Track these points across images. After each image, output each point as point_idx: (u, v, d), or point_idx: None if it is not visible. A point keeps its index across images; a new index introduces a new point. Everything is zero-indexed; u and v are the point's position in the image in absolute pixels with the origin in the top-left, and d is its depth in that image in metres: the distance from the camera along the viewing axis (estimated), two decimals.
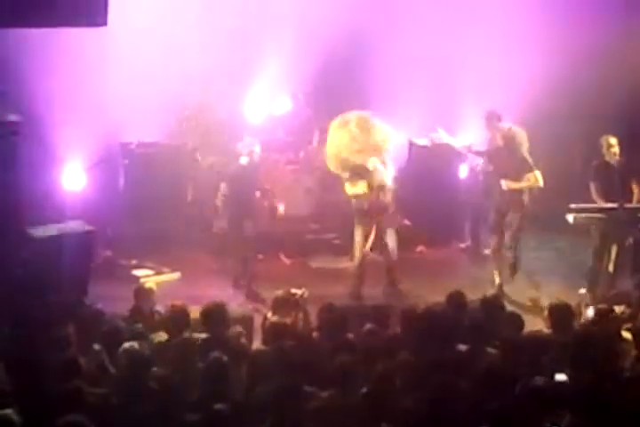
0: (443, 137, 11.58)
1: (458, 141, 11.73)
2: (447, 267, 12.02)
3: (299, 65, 12.72)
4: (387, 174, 11.01)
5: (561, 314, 8.53)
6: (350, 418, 6.74)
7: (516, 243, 11.08)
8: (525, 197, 10.97)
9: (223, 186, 11.21)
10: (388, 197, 11.07)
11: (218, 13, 13.00)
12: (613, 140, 10.87)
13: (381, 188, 10.98)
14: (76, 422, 6.35)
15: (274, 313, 9.01)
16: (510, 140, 10.89)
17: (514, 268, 11.12)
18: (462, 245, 12.78)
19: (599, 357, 7.44)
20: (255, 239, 11.28)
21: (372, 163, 10.88)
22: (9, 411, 6.57)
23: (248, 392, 7.39)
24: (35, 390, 7.23)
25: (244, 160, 11.09)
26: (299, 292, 9.17)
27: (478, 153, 11.52)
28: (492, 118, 11.90)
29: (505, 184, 10.88)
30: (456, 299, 8.90)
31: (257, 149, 11.14)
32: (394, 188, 11.12)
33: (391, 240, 11.16)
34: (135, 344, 7.55)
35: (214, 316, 8.34)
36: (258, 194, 11.31)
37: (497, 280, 11.09)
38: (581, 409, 6.76)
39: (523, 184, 10.90)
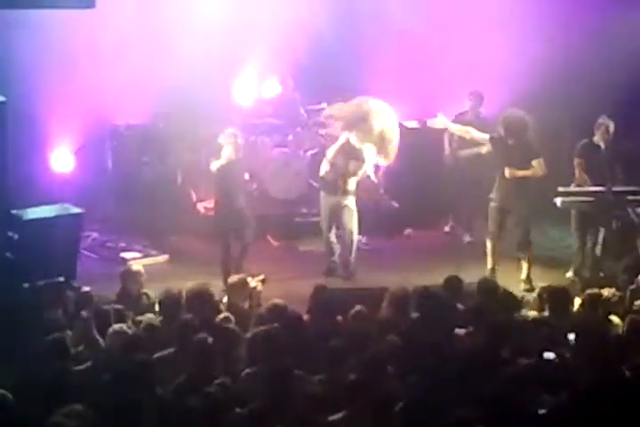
0: (444, 123, 11.41)
1: (458, 127, 11.50)
2: (435, 250, 12.00)
3: (287, 47, 12.65)
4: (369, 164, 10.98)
5: (557, 298, 8.57)
6: (340, 403, 6.74)
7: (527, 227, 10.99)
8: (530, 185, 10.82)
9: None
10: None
11: None
12: (612, 127, 10.85)
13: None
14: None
15: (229, 298, 9.02)
16: (511, 127, 10.72)
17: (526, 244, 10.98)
18: (447, 228, 12.79)
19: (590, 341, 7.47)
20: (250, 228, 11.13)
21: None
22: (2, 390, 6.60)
23: (236, 376, 7.39)
24: (22, 373, 7.24)
25: (226, 152, 10.88)
26: (253, 281, 9.19)
27: (480, 139, 11.18)
28: (476, 99, 12.06)
29: (508, 172, 10.65)
30: (452, 283, 8.93)
31: (239, 140, 10.87)
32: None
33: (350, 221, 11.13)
34: (123, 326, 7.56)
35: (201, 298, 8.36)
36: (247, 176, 11.18)
37: (489, 265, 10.97)
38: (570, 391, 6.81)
39: (527, 172, 10.67)
